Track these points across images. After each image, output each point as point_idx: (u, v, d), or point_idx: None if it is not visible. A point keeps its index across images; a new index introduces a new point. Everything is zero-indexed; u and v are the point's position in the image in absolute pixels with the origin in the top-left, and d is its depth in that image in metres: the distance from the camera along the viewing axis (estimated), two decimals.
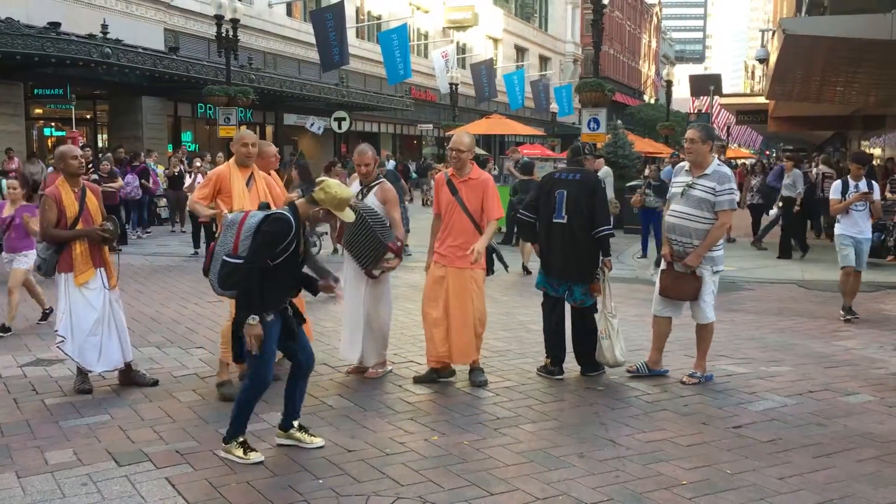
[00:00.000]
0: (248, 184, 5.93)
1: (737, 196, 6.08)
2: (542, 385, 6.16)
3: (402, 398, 5.80)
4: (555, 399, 5.83)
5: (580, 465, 4.56)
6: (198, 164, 15.57)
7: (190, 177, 15.70)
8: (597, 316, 6.22)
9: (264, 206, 4.71)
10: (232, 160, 6.03)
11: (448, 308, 6.04)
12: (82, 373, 5.87)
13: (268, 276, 4.43)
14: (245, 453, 4.54)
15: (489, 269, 6.35)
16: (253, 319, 4.35)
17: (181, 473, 4.39)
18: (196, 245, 13.98)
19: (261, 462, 4.52)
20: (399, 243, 6.11)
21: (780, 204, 14.20)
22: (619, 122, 29.19)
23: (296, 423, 4.80)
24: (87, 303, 5.79)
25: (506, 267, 6.49)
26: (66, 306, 5.78)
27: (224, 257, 4.47)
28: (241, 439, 4.57)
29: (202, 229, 13.37)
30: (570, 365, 6.42)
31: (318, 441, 4.79)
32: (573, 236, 6.18)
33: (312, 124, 27.05)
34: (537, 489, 4.22)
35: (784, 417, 5.43)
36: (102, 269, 5.90)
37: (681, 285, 6.13)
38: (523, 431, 5.11)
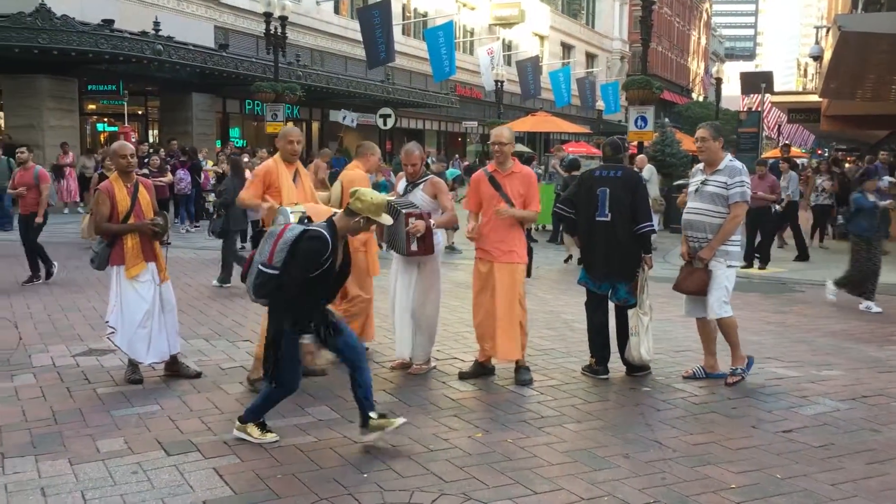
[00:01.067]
0: (294, 179, 5.99)
1: (748, 189, 6.06)
2: (586, 384, 6.12)
3: (446, 394, 5.80)
4: (600, 399, 5.78)
5: (625, 465, 4.51)
6: (245, 159, 15.74)
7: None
8: (630, 312, 6.16)
9: (303, 220, 4.73)
10: (277, 156, 6.07)
11: (494, 305, 6.04)
12: (133, 363, 5.99)
13: (302, 290, 4.50)
14: (262, 432, 4.74)
15: (528, 271, 6.34)
16: (306, 338, 4.49)
17: (228, 464, 4.45)
18: (244, 240, 14.14)
19: (277, 441, 4.70)
20: (419, 212, 6.02)
21: (778, 207, 13.63)
22: (667, 119, 28.84)
23: (373, 415, 4.77)
24: (137, 295, 5.91)
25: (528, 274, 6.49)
26: (118, 298, 5.92)
27: (259, 266, 4.53)
28: (259, 421, 4.76)
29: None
30: (616, 364, 6.36)
31: (399, 420, 4.79)
32: (616, 234, 6.13)
33: (345, 117, 27.19)
34: (582, 489, 4.18)
35: (836, 422, 5.31)
36: (153, 262, 6.02)
37: (691, 280, 6.17)
38: (568, 431, 5.08)
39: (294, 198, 5.83)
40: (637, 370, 6.27)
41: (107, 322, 6.00)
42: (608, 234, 6.16)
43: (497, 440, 4.87)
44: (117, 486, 4.16)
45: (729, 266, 6.08)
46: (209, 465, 4.43)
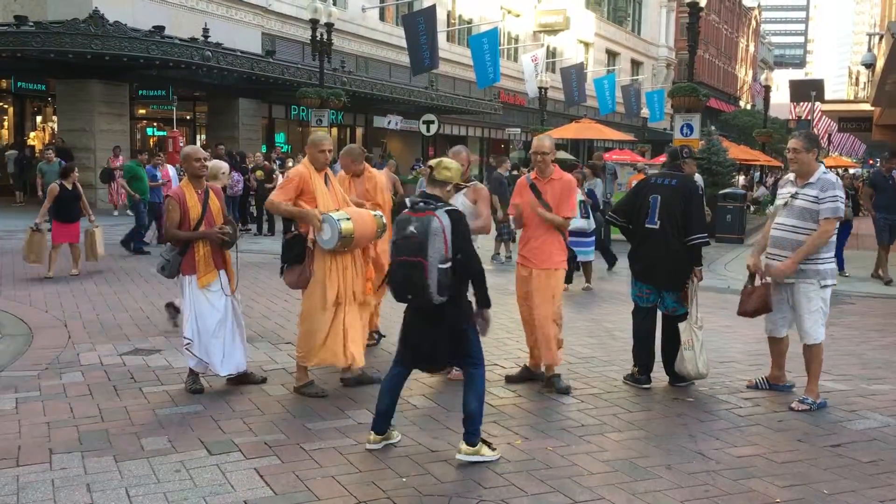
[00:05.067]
0: (325, 184, 5.97)
1: (842, 204, 5.69)
2: (628, 393, 6.05)
3: (486, 401, 5.71)
4: (642, 408, 5.71)
5: (668, 477, 4.44)
6: (290, 164, 15.91)
7: (282, 177, 16.04)
8: (682, 326, 6.07)
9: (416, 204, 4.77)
10: (306, 160, 5.96)
11: (532, 308, 6.06)
12: (194, 372, 5.90)
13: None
14: (492, 449, 4.63)
15: (569, 277, 6.35)
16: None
17: (269, 465, 4.48)
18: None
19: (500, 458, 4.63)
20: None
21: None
22: (713, 128, 28.47)
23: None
24: (209, 305, 5.81)
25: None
26: (191, 309, 5.81)
27: (439, 266, 4.39)
28: (483, 439, 4.63)
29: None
30: (658, 374, 6.28)
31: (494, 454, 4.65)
32: (665, 242, 6.05)
33: (390, 122, 27.38)
34: (623, 499, 4.13)
35: (886, 437, 5.17)
36: (223, 271, 5.93)
37: (753, 298, 5.91)
38: (609, 440, 5.02)
39: (330, 203, 5.81)
40: (681, 380, 6.19)
41: (183, 335, 5.88)
42: (656, 241, 6.10)
43: (537, 448, 4.84)
44: (160, 483, 4.22)
45: (823, 286, 5.72)
46: (250, 465, 4.48)
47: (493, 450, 4.63)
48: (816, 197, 5.64)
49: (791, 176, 5.95)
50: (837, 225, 5.72)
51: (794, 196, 5.76)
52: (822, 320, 5.78)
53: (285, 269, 5.91)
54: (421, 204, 4.57)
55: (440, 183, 4.70)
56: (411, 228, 4.44)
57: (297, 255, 5.80)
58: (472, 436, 4.56)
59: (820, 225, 5.62)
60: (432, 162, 4.83)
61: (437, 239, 4.41)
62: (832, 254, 5.78)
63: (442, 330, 4.55)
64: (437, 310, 4.49)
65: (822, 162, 6.06)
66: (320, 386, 5.91)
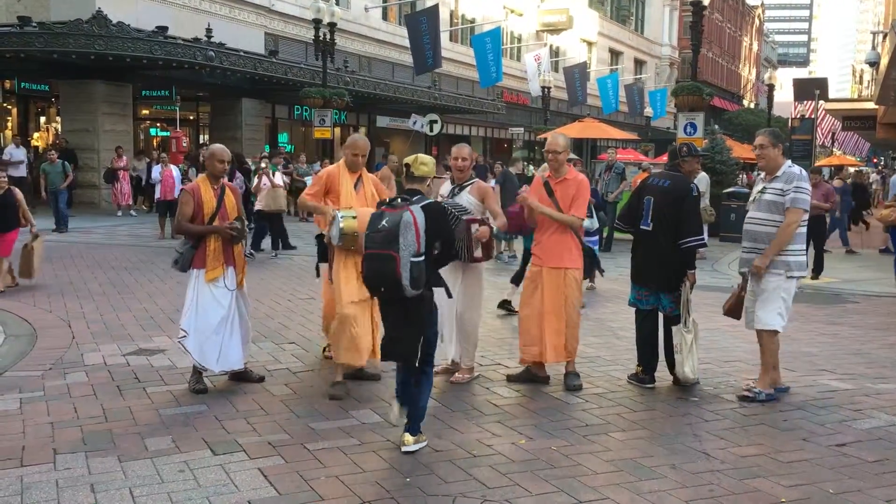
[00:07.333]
0: (356, 186, 6.04)
1: (806, 195, 5.77)
2: (632, 393, 6.04)
3: (490, 400, 5.78)
4: (646, 408, 5.69)
5: (672, 476, 4.43)
6: (262, 165, 15.77)
7: (257, 178, 15.82)
8: (674, 329, 6.06)
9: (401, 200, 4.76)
10: (342, 162, 6.13)
11: (542, 307, 6.04)
12: (197, 372, 5.89)
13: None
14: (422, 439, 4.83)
15: (588, 273, 6.37)
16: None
17: (273, 465, 4.48)
18: (254, 247, 13.77)
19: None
20: (479, 217, 5.99)
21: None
22: (717, 126, 28.42)
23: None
24: (214, 300, 5.82)
25: (601, 272, 6.66)
26: (193, 302, 5.81)
27: (412, 260, 4.45)
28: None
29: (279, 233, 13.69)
30: (662, 373, 6.27)
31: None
32: (658, 244, 6.06)
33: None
34: (627, 499, 4.12)
35: (892, 437, 5.15)
36: (232, 266, 5.96)
37: (729, 302, 6.23)
38: (613, 439, 5.01)
39: (353, 203, 5.91)
40: None
41: (180, 327, 5.89)
42: (649, 243, 6.13)
43: (541, 447, 4.83)
44: (164, 483, 4.21)
45: (789, 277, 5.80)
46: (254, 465, 4.47)
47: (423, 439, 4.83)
48: (782, 189, 5.79)
49: (763, 174, 6.12)
50: (806, 217, 5.81)
51: (762, 191, 5.94)
52: (781, 310, 5.82)
53: (320, 266, 6.25)
54: (398, 200, 4.66)
55: (419, 179, 4.82)
56: (384, 222, 4.54)
57: (322, 253, 6.11)
58: (417, 428, 4.79)
59: (786, 216, 5.73)
60: (408, 159, 4.91)
61: (408, 232, 4.48)
62: (802, 246, 5.85)
63: (407, 320, 4.65)
64: (405, 301, 4.59)
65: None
66: (336, 390, 5.81)
